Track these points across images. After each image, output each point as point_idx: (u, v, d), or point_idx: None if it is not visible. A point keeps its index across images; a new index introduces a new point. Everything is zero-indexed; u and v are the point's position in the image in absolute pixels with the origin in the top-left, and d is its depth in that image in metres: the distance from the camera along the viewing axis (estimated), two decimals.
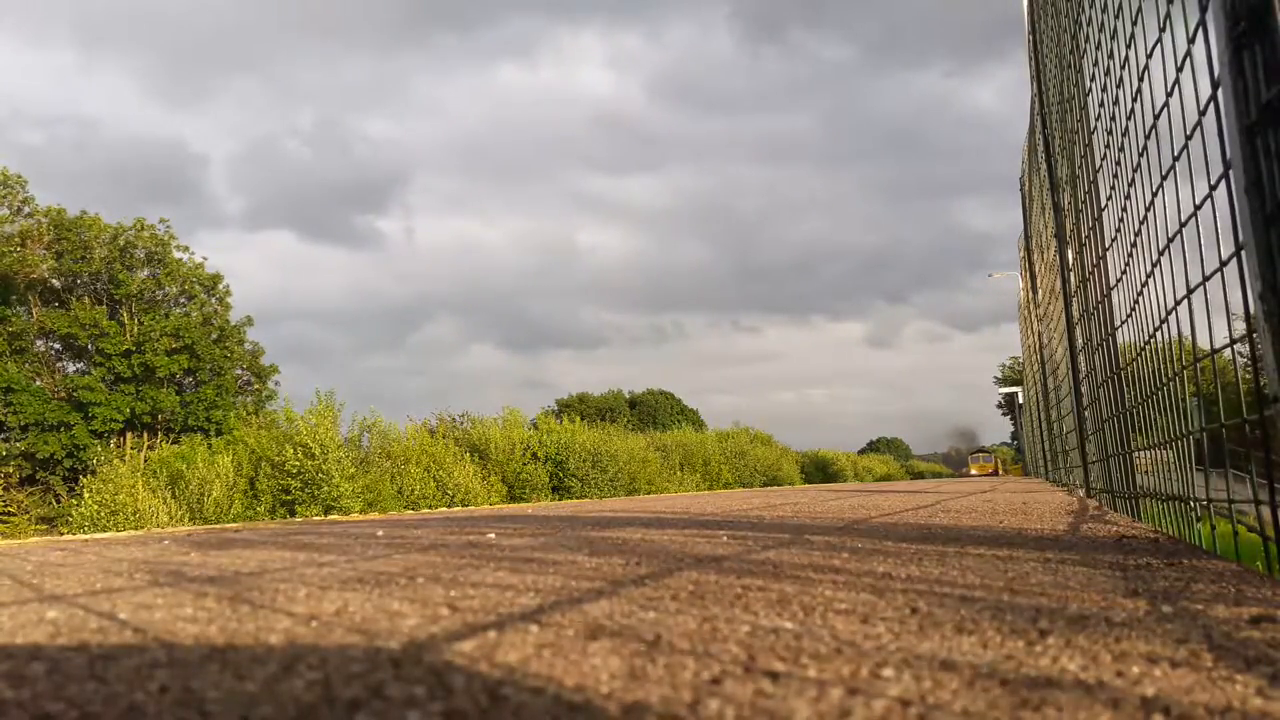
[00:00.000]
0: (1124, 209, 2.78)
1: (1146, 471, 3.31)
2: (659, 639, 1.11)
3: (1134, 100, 2.39)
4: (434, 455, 12.44)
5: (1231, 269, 1.53)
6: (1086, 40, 3.36)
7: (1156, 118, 2.09)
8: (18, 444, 17.17)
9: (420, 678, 0.93)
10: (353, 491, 10.58)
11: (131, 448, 16.88)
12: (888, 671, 0.91)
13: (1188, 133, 1.79)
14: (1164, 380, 2.51)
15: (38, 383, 18.15)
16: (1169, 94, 1.93)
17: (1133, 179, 2.54)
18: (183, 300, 20.42)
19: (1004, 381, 56.88)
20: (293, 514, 10.24)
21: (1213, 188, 1.62)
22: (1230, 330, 1.67)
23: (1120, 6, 2.51)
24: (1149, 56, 2.13)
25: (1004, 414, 62.02)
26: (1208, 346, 1.82)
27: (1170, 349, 2.34)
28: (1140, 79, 2.28)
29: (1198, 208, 1.73)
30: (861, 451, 51.21)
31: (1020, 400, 29.90)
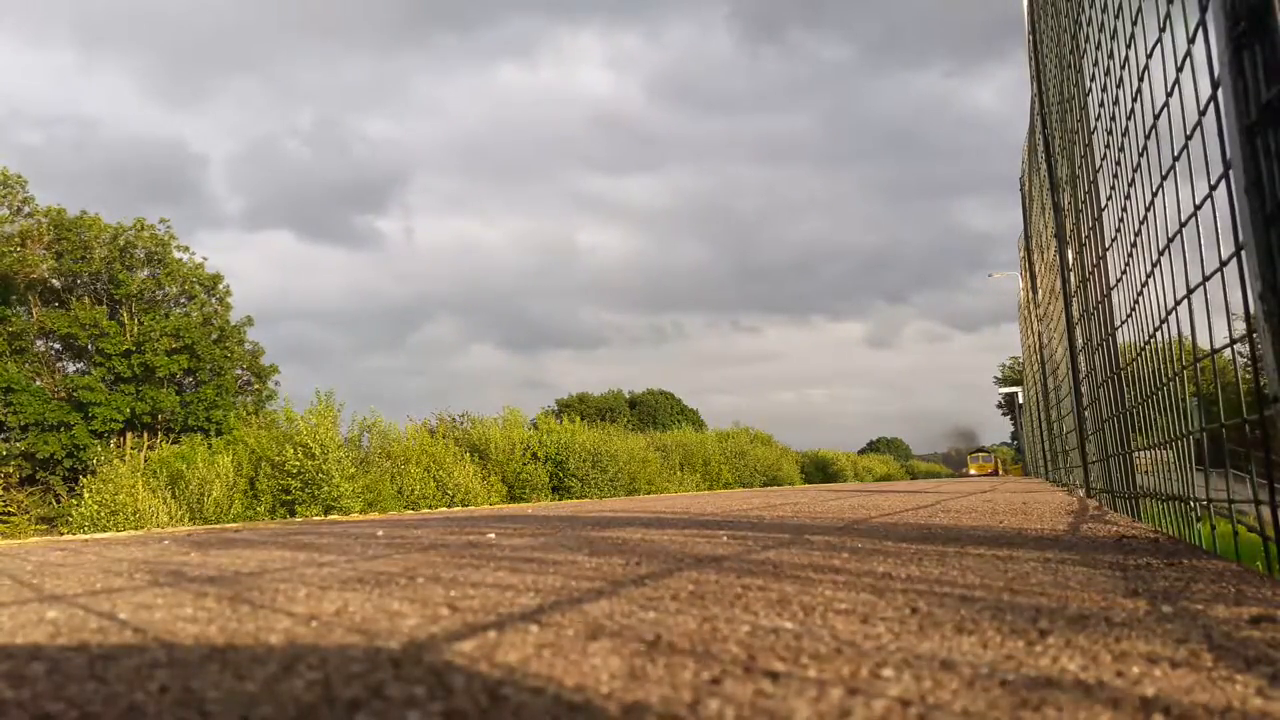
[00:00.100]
0: (1124, 209, 2.78)
1: (1146, 471, 3.31)
2: (659, 639, 1.11)
3: (1134, 100, 2.39)
4: (434, 455, 12.44)
5: (1231, 269, 1.53)
6: (1086, 40, 3.36)
7: (1156, 118, 2.09)
8: (18, 444, 17.17)
9: (420, 678, 0.93)
10: (353, 491, 10.58)
11: (131, 448, 16.88)
12: (888, 671, 0.91)
13: (1188, 133, 1.79)
14: (1164, 380, 2.51)
15: (38, 383, 18.16)
16: (1169, 94, 1.93)
17: (1133, 179, 2.54)
18: (183, 300, 20.42)
19: (1004, 381, 56.87)
20: (293, 514, 10.24)
21: (1213, 188, 1.62)
22: (1230, 330, 1.67)
23: (1120, 6, 2.51)
24: (1149, 56, 2.13)
25: (1004, 414, 62.05)
26: (1208, 346, 1.82)
27: (1170, 349, 2.34)
28: (1140, 79, 2.28)
29: (1198, 208, 1.73)
30: (861, 451, 51.20)
31: (1020, 400, 29.90)
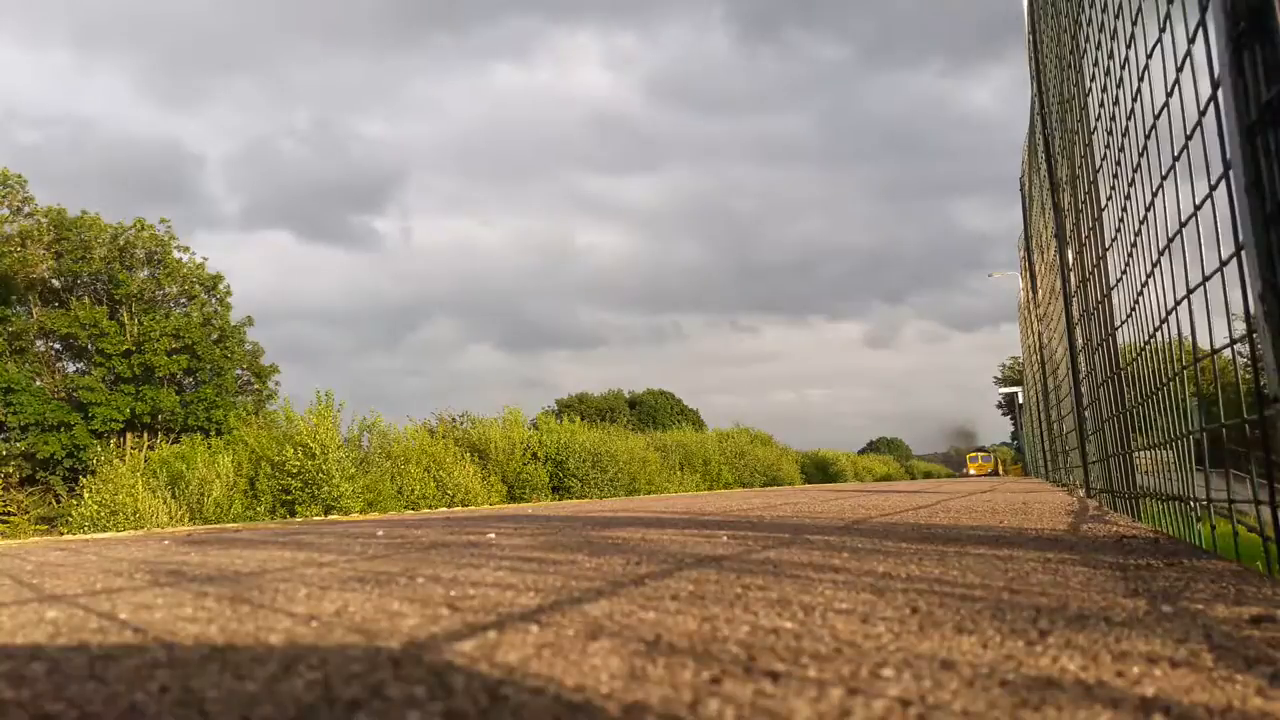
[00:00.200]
0: (1124, 209, 2.78)
1: (1147, 471, 3.31)
2: (659, 639, 1.11)
3: (1134, 100, 2.39)
4: (434, 455, 12.44)
5: (1231, 269, 1.53)
6: (1086, 40, 3.36)
7: (1156, 118, 2.09)
8: (18, 444, 17.17)
9: (420, 678, 0.93)
10: (353, 491, 10.58)
11: (131, 448, 16.87)
12: (888, 671, 0.91)
13: (1188, 133, 1.79)
14: (1164, 380, 2.51)
15: (38, 383, 18.16)
16: (1169, 94, 1.93)
17: (1133, 179, 2.54)
18: (183, 300, 20.43)
19: (1004, 381, 56.84)
20: (293, 514, 10.24)
21: (1213, 188, 1.62)
22: (1230, 330, 1.67)
23: (1120, 6, 2.51)
24: (1149, 56, 2.13)
25: (1004, 414, 62.03)
26: (1208, 346, 1.82)
27: (1170, 349, 2.34)
28: (1140, 79, 2.28)
29: (1198, 208, 1.73)
30: (861, 451, 51.18)
31: (1020, 400, 29.91)
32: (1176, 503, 2.58)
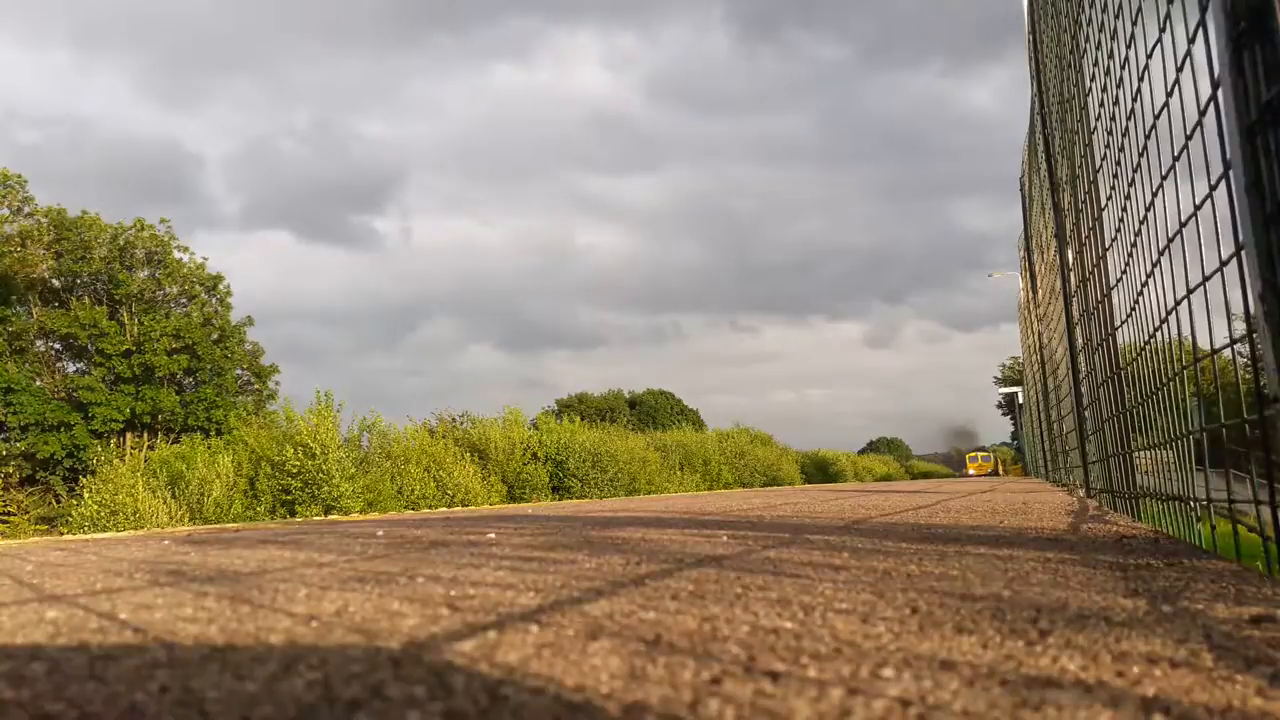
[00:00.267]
0: (1124, 209, 2.78)
1: (1147, 471, 3.31)
2: (659, 639, 1.11)
3: (1134, 100, 2.39)
4: (434, 455, 12.44)
5: (1231, 269, 1.53)
6: (1086, 40, 3.36)
7: (1156, 118, 2.09)
8: (18, 444, 17.18)
9: (420, 678, 0.93)
10: (353, 491, 10.58)
11: (131, 448, 16.87)
12: (888, 671, 0.91)
13: (1188, 133, 1.79)
14: (1164, 380, 2.51)
15: (38, 383, 18.16)
16: (1169, 94, 1.93)
17: (1133, 179, 2.54)
18: (183, 300, 20.43)
19: (1004, 381, 56.82)
20: (293, 514, 10.24)
21: (1213, 188, 1.62)
22: (1230, 330, 1.67)
23: (1120, 6, 2.51)
24: (1149, 56, 2.13)
25: (1004, 414, 62.02)
26: (1208, 346, 1.82)
27: (1170, 349, 2.34)
28: (1140, 79, 2.28)
29: (1198, 208, 1.73)
30: (861, 452, 51.17)
31: (1020, 400, 29.90)
32: (1176, 503, 2.58)
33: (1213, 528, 2.17)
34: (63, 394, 18.21)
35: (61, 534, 10.20)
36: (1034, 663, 0.94)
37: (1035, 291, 9.20)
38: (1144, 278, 2.49)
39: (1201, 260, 1.75)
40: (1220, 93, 1.49)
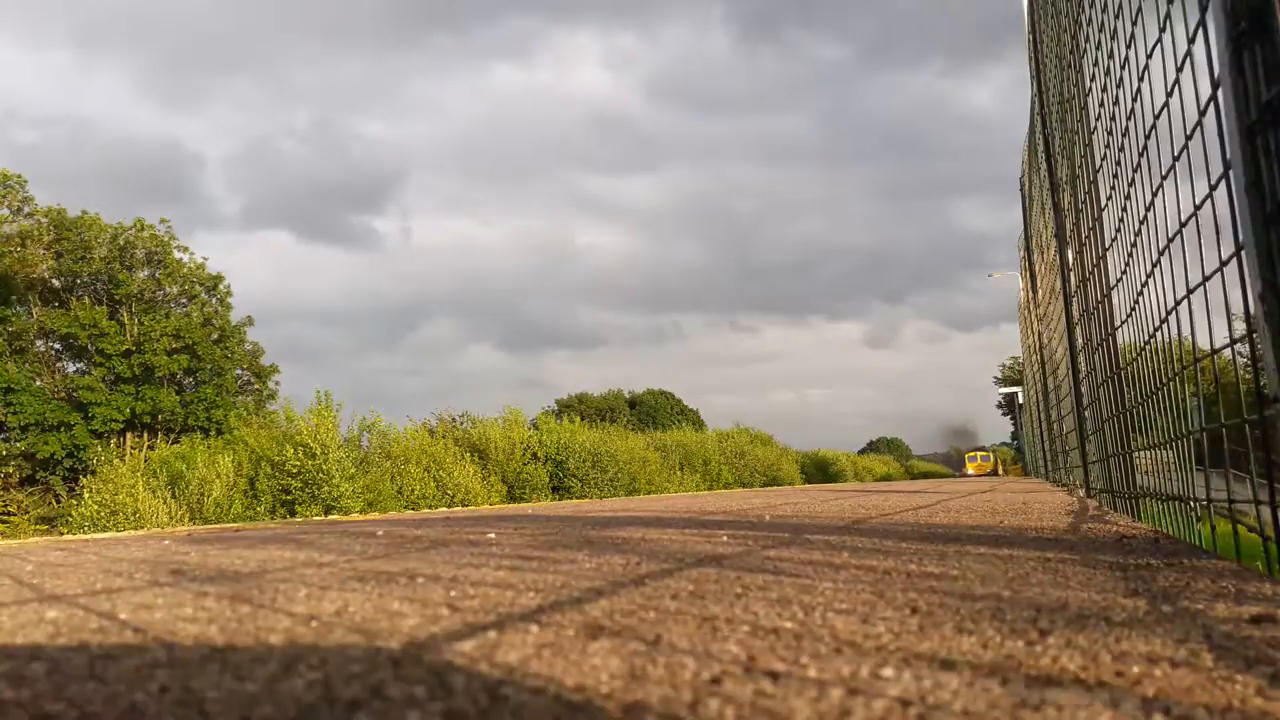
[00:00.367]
0: (1124, 209, 2.78)
1: (1147, 471, 3.31)
2: (659, 639, 1.11)
3: (1134, 100, 2.39)
4: (434, 455, 12.44)
5: (1231, 269, 1.53)
6: (1086, 40, 3.36)
7: (1156, 118, 2.09)
8: (18, 444, 17.18)
9: (420, 678, 0.93)
10: (353, 491, 10.58)
11: (131, 448, 16.88)
12: (888, 671, 0.91)
13: (1188, 133, 1.79)
14: (1164, 380, 2.51)
15: (38, 383, 18.17)
16: (1169, 94, 1.93)
17: (1133, 179, 2.54)
18: (183, 300, 20.44)
19: (1004, 381, 56.80)
20: (293, 514, 10.24)
21: (1213, 188, 1.62)
22: (1230, 330, 1.67)
23: (1120, 6, 2.51)
24: (1149, 56, 2.13)
25: (1004, 414, 62.01)
26: (1208, 346, 1.82)
27: (1170, 349, 2.34)
28: (1140, 79, 2.28)
29: (1198, 208, 1.73)
30: (861, 451, 51.16)
31: (1020, 400, 29.90)
32: (1176, 503, 2.58)
33: (1213, 528, 2.17)
34: (63, 394, 18.22)
35: (61, 534, 10.20)
36: (1034, 663, 0.94)
37: (1035, 291, 9.20)
38: (1144, 278, 2.49)
39: (1201, 260, 1.75)
40: (1220, 93, 1.49)
